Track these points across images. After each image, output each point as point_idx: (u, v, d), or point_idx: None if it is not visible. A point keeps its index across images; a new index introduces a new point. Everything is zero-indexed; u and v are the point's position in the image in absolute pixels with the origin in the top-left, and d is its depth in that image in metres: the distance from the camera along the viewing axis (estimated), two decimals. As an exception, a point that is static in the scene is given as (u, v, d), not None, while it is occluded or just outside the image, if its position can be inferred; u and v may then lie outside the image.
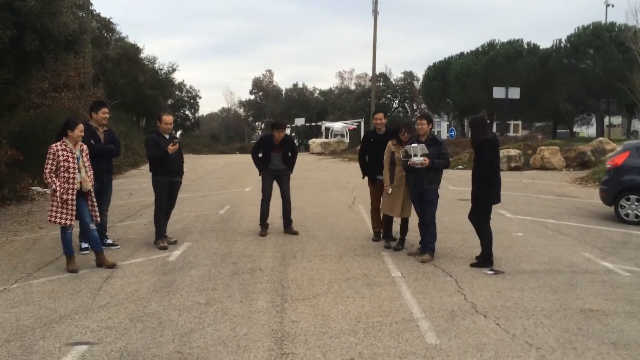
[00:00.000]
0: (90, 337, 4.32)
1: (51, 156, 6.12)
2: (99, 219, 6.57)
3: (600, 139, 22.06)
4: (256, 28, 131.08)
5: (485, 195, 6.74)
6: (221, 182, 17.58)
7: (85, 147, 6.48)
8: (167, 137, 7.57)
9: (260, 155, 8.62)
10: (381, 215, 8.00)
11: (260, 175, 8.70)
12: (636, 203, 9.55)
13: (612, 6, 44.91)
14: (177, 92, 57.02)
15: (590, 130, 59.37)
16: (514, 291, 5.68)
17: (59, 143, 6.19)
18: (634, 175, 9.64)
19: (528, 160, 21.43)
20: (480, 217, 6.86)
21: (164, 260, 6.82)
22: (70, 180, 6.15)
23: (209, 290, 5.59)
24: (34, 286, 5.68)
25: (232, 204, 11.86)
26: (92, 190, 6.42)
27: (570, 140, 30.26)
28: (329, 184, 16.82)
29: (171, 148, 7.38)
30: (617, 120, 51.87)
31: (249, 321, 4.71)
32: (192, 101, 62.96)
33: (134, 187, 14.87)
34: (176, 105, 57.27)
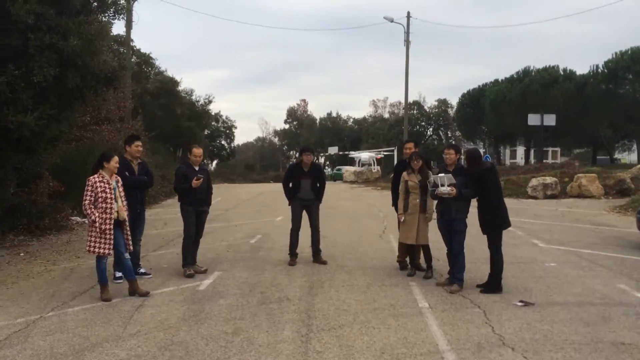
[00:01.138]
0: (120, 365, 4.44)
1: (90, 188, 6.39)
2: (132, 247, 6.78)
3: (640, 165, 21.47)
4: (290, 59, 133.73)
5: (495, 222, 6.88)
6: (254, 211, 17.81)
7: (119, 178, 6.74)
8: (197, 168, 7.81)
9: (290, 184, 8.77)
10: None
11: (289, 205, 8.81)
12: (675, 232, 9.25)
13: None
14: (213, 123, 58.33)
15: (632, 157, 57.80)
16: (543, 323, 5.57)
17: (96, 175, 6.47)
18: (672, 204, 9.36)
19: (565, 188, 20.98)
20: (495, 243, 6.94)
21: (194, 290, 6.96)
22: (108, 211, 6.40)
23: (237, 319, 5.68)
24: (69, 314, 5.88)
25: (263, 233, 12.01)
26: (127, 219, 6.66)
27: (610, 167, 29.58)
28: (360, 212, 16.83)
29: (195, 183, 7.60)
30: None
31: (274, 351, 4.76)
32: (227, 131, 64.28)
33: (169, 216, 15.21)
34: (212, 135, 58.56)
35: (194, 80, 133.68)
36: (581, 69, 52.77)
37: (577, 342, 5.00)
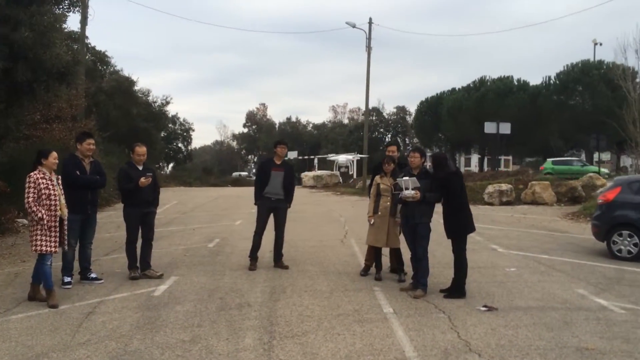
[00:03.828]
0: (67, 377, 4.12)
1: (32, 185, 6.02)
2: (66, 247, 6.42)
3: (591, 174, 22.13)
4: (250, 62, 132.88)
5: (460, 227, 6.86)
6: (212, 215, 17.40)
7: (59, 176, 6.44)
8: (141, 168, 7.49)
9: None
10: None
11: (255, 204, 8.54)
12: (628, 239, 9.47)
13: (600, 44, 45.62)
14: (170, 125, 57.11)
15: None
16: (508, 329, 5.53)
17: (36, 171, 6.11)
18: (626, 211, 9.60)
19: (519, 195, 21.43)
20: (459, 248, 6.91)
21: (149, 295, 6.63)
22: (53, 208, 6.07)
23: (194, 326, 5.41)
24: (12, 322, 5.47)
25: (222, 237, 11.69)
26: (65, 219, 6.31)
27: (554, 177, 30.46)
28: (320, 217, 16.68)
29: (142, 182, 7.30)
30: (605, 156, 52.36)
31: (234, 360, 4.52)
32: (185, 134, 63.00)
33: (122, 219, 14.61)
34: (169, 137, 57.29)
35: (151, 81, 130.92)
36: (535, 79, 54.28)
37: (541, 348, 4.97)
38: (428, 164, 8.14)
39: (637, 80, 16.43)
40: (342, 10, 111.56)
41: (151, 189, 7.55)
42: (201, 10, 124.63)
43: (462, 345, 5.01)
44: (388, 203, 7.56)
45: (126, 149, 32.85)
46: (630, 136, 15.81)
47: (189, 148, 65.35)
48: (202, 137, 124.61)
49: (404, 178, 6.83)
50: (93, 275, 7.30)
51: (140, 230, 7.64)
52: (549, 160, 31.77)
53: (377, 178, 7.83)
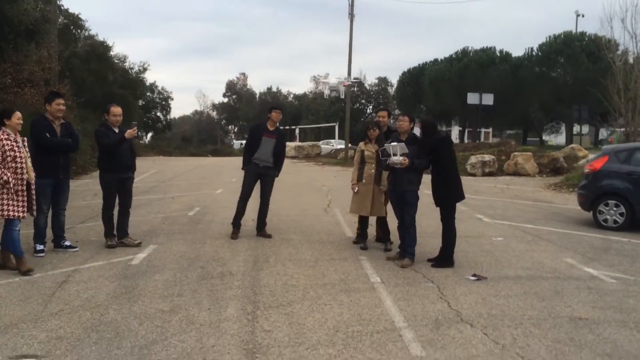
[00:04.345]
0: (38, 350, 3.84)
1: None
2: (34, 213, 6.10)
3: (573, 145, 22.21)
4: (230, 31, 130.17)
5: (449, 194, 6.66)
6: (191, 183, 17.03)
7: (25, 138, 6.05)
8: (117, 130, 7.10)
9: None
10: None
11: (243, 169, 8.21)
12: (615, 208, 9.40)
13: (583, 16, 45.57)
14: (148, 94, 55.88)
15: (558, 139, 60.20)
16: (499, 298, 5.39)
17: (0, 132, 5.70)
18: (612, 180, 9.51)
19: (502, 166, 21.39)
20: (447, 216, 6.72)
21: (127, 264, 6.33)
22: (19, 171, 5.73)
23: (174, 296, 5.15)
24: (-21, 292, 5.14)
25: (202, 206, 11.37)
26: (33, 182, 5.96)
27: (541, 148, 30.56)
28: (303, 187, 16.42)
29: (130, 132, 6.98)
30: (585, 129, 52.85)
31: (217, 331, 4.29)
32: (163, 103, 61.81)
33: (99, 187, 14.17)
34: (147, 106, 56.11)
35: (128, 48, 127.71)
36: (517, 51, 53.98)
37: (534, 317, 4.83)
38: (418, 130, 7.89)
39: (620, 50, 16.27)
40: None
41: (128, 154, 7.19)
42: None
43: (453, 315, 4.85)
44: (372, 170, 7.33)
45: (102, 117, 31.95)
46: (615, 107, 15.70)
47: (168, 117, 64.24)
48: (181, 107, 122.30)
49: (392, 144, 6.57)
50: (67, 243, 6.97)
51: (117, 197, 7.30)
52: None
53: (361, 144, 7.58)
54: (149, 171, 20.85)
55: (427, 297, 5.37)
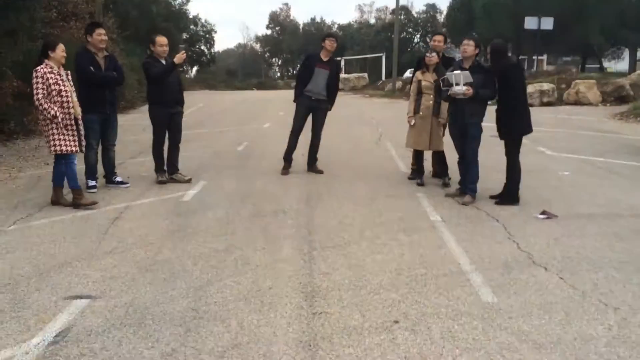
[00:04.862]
0: (92, 290, 3.74)
1: (40, 80, 5.45)
2: (83, 149, 5.97)
3: (639, 72, 20.66)
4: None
5: (517, 126, 6.10)
6: (239, 117, 16.85)
7: (69, 72, 5.82)
8: (164, 62, 6.80)
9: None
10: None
11: (294, 101, 7.85)
12: (696, 140, 8.61)
13: None
14: (191, 27, 55.37)
15: (619, 65, 56.52)
16: (573, 239, 4.97)
17: (43, 65, 5.51)
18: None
19: (562, 96, 20.21)
20: (513, 151, 6.20)
21: (178, 201, 6.21)
22: (65, 105, 5.55)
23: (228, 235, 4.98)
24: (34, 228, 5.11)
25: (250, 140, 11.16)
26: (80, 117, 5.79)
27: (604, 75, 28.69)
28: (352, 119, 15.94)
29: (180, 56, 6.74)
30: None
31: (273, 272, 4.09)
32: (207, 36, 61.27)
33: (148, 122, 14.12)
34: (191, 40, 55.77)
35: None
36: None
37: (615, 260, 4.42)
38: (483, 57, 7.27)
39: None
40: None
41: (176, 87, 6.95)
42: None
43: (523, 257, 4.49)
44: (431, 102, 6.82)
45: (147, 50, 31.92)
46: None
47: (212, 51, 63.86)
48: (225, 40, 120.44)
49: (455, 72, 6.02)
50: (118, 178, 6.90)
51: (167, 132, 7.11)
52: None
53: (418, 74, 7.02)
54: (197, 105, 20.77)
55: (493, 237, 5.00)
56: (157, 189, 6.79)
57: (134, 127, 13.11)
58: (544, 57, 54.69)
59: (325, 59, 7.57)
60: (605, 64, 55.64)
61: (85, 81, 6.22)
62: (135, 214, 5.66)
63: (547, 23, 26.75)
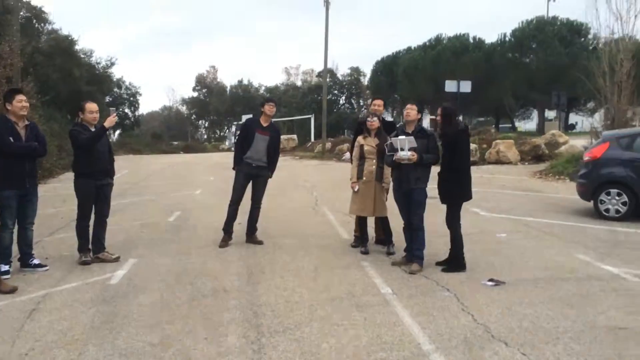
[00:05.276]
0: (4, 406, 3.16)
1: None
2: None
3: (553, 132, 22.05)
4: (200, 23, 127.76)
5: (461, 192, 6.13)
6: (168, 184, 16.23)
7: None
8: (93, 130, 6.35)
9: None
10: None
11: (234, 169, 7.54)
12: (617, 197, 9.02)
13: (554, 1, 45.82)
14: (115, 89, 54.32)
15: (528, 125, 60.52)
16: (525, 307, 4.88)
17: None
18: (614, 168, 9.12)
19: (483, 155, 21.10)
20: (456, 216, 6.20)
21: (105, 284, 5.62)
22: None
23: (164, 324, 4.48)
24: None
25: (182, 209, 10.65)
26: None
27: (520, 135, 30.44)
28: (285, 183, 15.73)
29: (111, 119, 6.28)
30: (551, 114, 53.37)
31: (219, 368, 3.66)
32: (131, 99, 60.32)
33: (69, 192, 13.24)
34: (115, 102, 54.55)
35: (94, 42, 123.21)
36: (490, 37, 53.86)
37: (570, 330, 4.33)
38: (424, 122, 7.34)
39: (604, 32, 16.04)
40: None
41: (107, 156, 6.48)
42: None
43: (482, 331, 4.32)
44: (373, 167, 6.74)
45: (69, 115, 30.76)
46: (600, 89, 15.47)
47: (136, 114, 62.70)
48: (150, 102, 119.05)
49: (400, 137, 6.00)
50: (36, 261, 6.20)
51: (94, 206, 6.55)
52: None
53: (360, 138, 6.95)
54: (121, 171, 19.87)
55: (447, 309, 4.82)
56: (80, 270, 6.16)
57: (54, 198, 12.24)
58: (461, 117, 57.80)
59: (265, 124, 7.40)
60: (517, 123, 59.48)
61: (3, 153, 5.64)
62: (56, 303, 5.03)
63: (466, 86, 28.23)
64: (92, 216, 6.60)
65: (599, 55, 15.70)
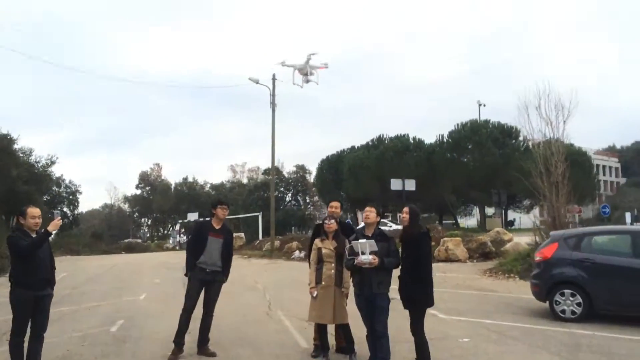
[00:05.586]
0: None
1: None
2: None
3: (498, 229, 22.74)
4: (144, 121, 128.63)
5: (425, 296, 5.94)
6: (109, 288, 15.28)
7: None
8: (34, 235, 5.90)
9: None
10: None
11: (186, 275, 7.14)
12: (571, 298, 9.05)
13: (484, 105, 49.40)
14: (54, 188, 52.73)
15: (469, 221, 62.58)
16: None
17: None
18: (565, 268, 9.24)
19: (433, 252, 21.31)
20: (421, 321, 6.01)
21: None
22: None
23: None
24: None
25: (126, 317, 9.92)
26: None
27: (466, 233, 31.27)
28: (236, 284, 15.09)
29: (55, 223, 5.81)
30: (490, 211, 55.64)
31: None
32: (71, 197, 58.64)
33: (9, 304, 12.26)
34: (53, 202, 52.77)
35: (33, 141, 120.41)
36: (429, 138, 56.58)
37: None
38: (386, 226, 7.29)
39: (538, 135, 17.10)
40: (237, 71, 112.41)
41: (48, 265, 5.99)
42: (84, 64, 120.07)
43: None
44: (332, 271, 6.54)
45: (3, 216, 29.28)
46: (538, 189, 16.25)
47: (75, 212, 60.67)
48: (90, 201, 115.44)
49: (360, 241, 5.90)
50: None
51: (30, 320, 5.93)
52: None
53: (317, 242, 6.78)
54: (59, 274, 18.68)
55: None
56: (10, 396, 5.46)
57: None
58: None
59: (217, 227, 7.17)
60: (459, 219, 61.42)
61: None
62: None
63: (410, 185, 29.21)
64: (28, 331, 5.97)
65: (534, 157, 16.59)
